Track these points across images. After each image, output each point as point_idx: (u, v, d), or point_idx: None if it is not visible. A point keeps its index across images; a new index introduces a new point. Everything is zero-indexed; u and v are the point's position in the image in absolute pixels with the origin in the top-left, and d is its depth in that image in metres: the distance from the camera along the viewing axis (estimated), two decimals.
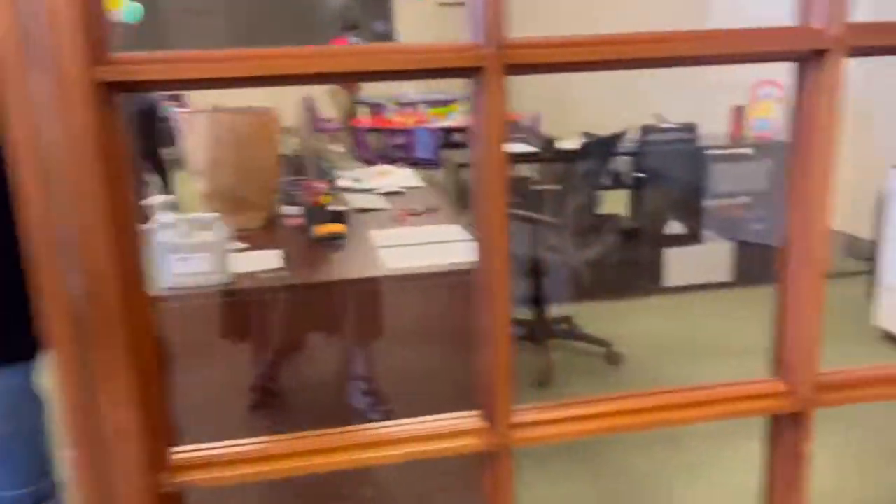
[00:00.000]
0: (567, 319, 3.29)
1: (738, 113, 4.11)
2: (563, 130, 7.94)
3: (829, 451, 2.34)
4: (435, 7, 10.30)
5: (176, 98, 7.51)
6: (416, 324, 1.81)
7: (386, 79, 1.17)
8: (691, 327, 3.39)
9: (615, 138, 2.82)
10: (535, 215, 2.71)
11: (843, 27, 1.15)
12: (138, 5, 8.91)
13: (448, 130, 6.93)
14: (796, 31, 1.16)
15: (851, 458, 2.32)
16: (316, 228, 2.12)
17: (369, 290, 1.77)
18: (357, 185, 3.02)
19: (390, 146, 7.07)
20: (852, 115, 3.75)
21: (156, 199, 1.67)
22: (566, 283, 3.29)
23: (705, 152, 3.82)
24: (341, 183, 3.06)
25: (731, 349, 3.02)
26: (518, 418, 1.21)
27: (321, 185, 2.21)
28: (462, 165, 3.52)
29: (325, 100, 10.23)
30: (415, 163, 6.44)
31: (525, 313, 3.13)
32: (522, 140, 3.98)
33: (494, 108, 1.05)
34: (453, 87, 9.11)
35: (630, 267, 3.85)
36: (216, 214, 1.72)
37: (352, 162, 7.06)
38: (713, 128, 4.29)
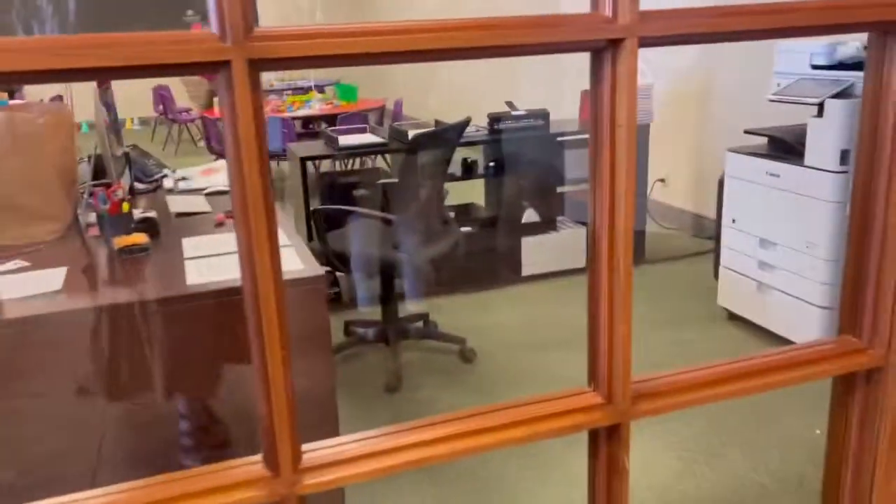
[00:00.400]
0: (423, 317, 3.20)
1: (587, 97, 4.15)
2: (430, 117, 7.85)
3: (663, 443, 2.38)
4: None
5: (11, 91, 6.77)
6: (222, 348, 1.64)
7: (122, 77, 0.98)
8: (548, 317, 3.39)
9: (456, 128, 2.74)
10: (371, 212, 2.58)
11: (635, 15, 1.08)
12: None
13: (307, 119, 6.68)
14: (588, 19, 1.08)
15: (686, 449, 2.37)
16: (116, 240, 1.89)
17: (164, 311, 1.57)
18: (182, 186, 2.77)
19: None
20: (699, 98, 3.85)
21: None
22: (421, 279, 3.20)
23: (558, 139, 3.83)
24: (166, 183, 2.81)
25: (584, 337, 3.03)
26: (310, 460, 1.06)
27: (120, 190, 1.98)
28: (305, 159, 3.33)
29: (182, 89, 9.66)
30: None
31: (375, 314, 3.01)
32: (372, 131, 3.85)
33: (243, 107, 0.90)
34: (311, 73, 8.83)
35: (488, 258, 3.82)
36: None
37: (208, 155, 6.67)
38: (571, 113, 4.34)
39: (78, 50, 0.82)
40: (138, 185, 2.74)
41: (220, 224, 2.20)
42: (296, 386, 1.90)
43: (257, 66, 0.92)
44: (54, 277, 1.69)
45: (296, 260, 1.79)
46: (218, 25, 0.88)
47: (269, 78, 8.83)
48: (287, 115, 6.34)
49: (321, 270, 1.71)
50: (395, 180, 2.66)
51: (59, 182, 2.13)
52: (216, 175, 3.04)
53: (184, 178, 2.89)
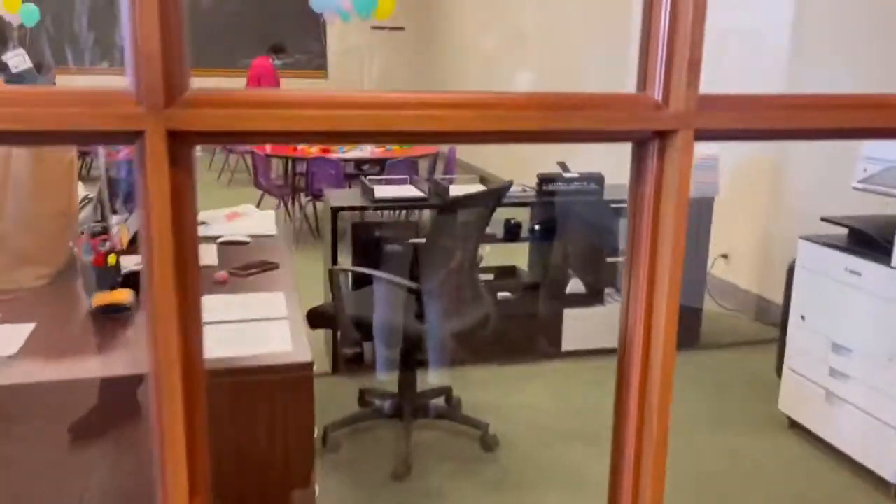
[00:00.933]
0: (445, 392, 2.95)
1: None
2: (485, 165, 7.67)
3: None
4: (368, 31, 10.06)
5: None
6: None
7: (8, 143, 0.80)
8: (586, 401, 3.10)
9: (496, 193, 2.53)
10: (391, 277, 2.38)
11: (693, 102, 0.85)
12: (34, 7, 8.30)
13: (359, 161, 6.59)
14: (632, 102, 0.85)
15: None
16: (97, 295, 1.73)
17: (119, 391, 1.38)
18: (199, 232, 2.62)
19: (293, 175, 6.68)
20: (771, 174, 3.54)
21: None
22: (446, 352, 2.96)
23: (612, 205, 3.58)
24: None
25: None
26: None
27: (108, 238, 1.82)
28: (338, 209, 3.17)
29: None
30: (313, 195, 6.08)
31: (395, 383, 2.78)
32: (413, 183, 3.67)
33: (158, 194, 0.70)
34: None
35: (525, 327, 3.56)
36: None
37: (256, 191, 6.61)
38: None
39: None
40: None
41: (220, 283, 2.02)
42: (271, 484, 1.65)
43: (182, 139, 0.73)
44: (15, 337, 1.53)
45: (286, 338, 1.59)
46: (133, 82, 0.69)
47: None
48: (337, 155, 6.25)
49: (309, 355, 1.50)
50: (420, 241, 2.45)
51: (55, 224, 2.00)
52: (241, 221, 2.89)
53: (203, 223, 2.75)
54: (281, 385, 1.46)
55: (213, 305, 1.80)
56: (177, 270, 0.74)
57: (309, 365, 1.48)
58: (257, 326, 1.65)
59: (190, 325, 0.76)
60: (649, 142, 0.88)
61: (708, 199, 3.60)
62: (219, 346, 1.53)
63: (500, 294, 3.60)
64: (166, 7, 0.68)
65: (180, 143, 0.72)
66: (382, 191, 3.34)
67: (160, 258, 0.73)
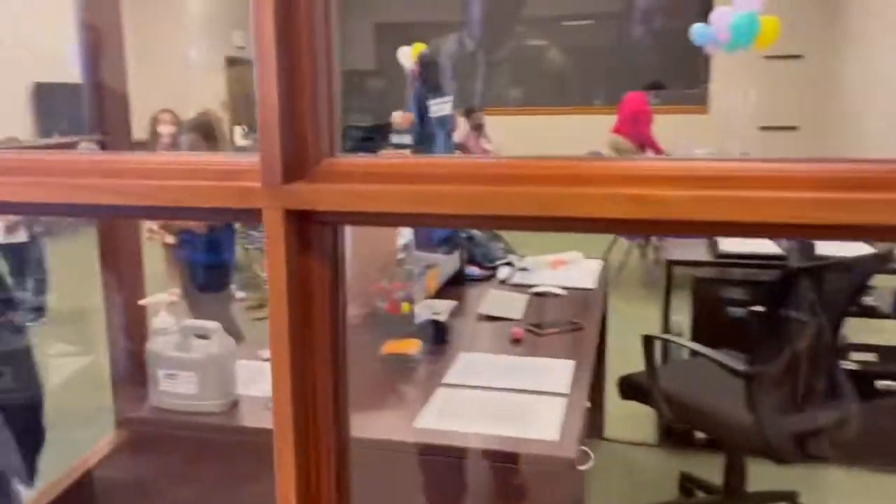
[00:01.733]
0: (787, 497, 2.43)
1: None
2: None
3: None
4: (758, 60, 9.30)
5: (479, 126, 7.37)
6: None
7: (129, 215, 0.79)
8: None
9: (867, 262, 2.00)
10: (709, 352, 2.01)
11: None
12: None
13: None
14: None
15: None
16: (387, 343, 1.75)
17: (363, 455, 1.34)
18: (517, 278, 2.56)
19: None
20: None
21: (158, 298, 1.45)
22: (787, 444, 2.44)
23: None
24: (501, 272, 2.65)
25: None
26: None
27: (403, 287, 1.84)
28: (673, 263, 2.86)
29: (607, 151, 9.71)
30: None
31: (719, 475, 2.37)
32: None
33: (276, 271, 0.63)
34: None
35: None
36: (217, 324, 1.45)
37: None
38: None
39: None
40: (473, 271, 2.62)
41: (515, 341, 1.91)
42: None
43: (311, 219, 0.63)
44: None
45: (555, 422, 1.39)
46: (262, 158, 0.61)
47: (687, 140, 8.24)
48: None
49: (574, 450, 1.29)
50: (759, 309, 2.04)
51: (375, 263, 2.10)
52: (563, 270, 2.77)
53: (524, 269, 2.69)
54: (534, 479, 1.28)
55: (492, 366, 1.70)
56: (294, 359, 0.65)
57: (572, 462, 1.27)
58: (530, 401, 1.49)
59: (315, 409, 0.67)
60: None
61: None
62: (477, 418, 1.42)
63: (882, 382, 2.89)
64: (292, 66, 0.58)
65: (308, 222, 0.62)
66: (729, 244, 2.94)
67: (276, 345, 0.64)
